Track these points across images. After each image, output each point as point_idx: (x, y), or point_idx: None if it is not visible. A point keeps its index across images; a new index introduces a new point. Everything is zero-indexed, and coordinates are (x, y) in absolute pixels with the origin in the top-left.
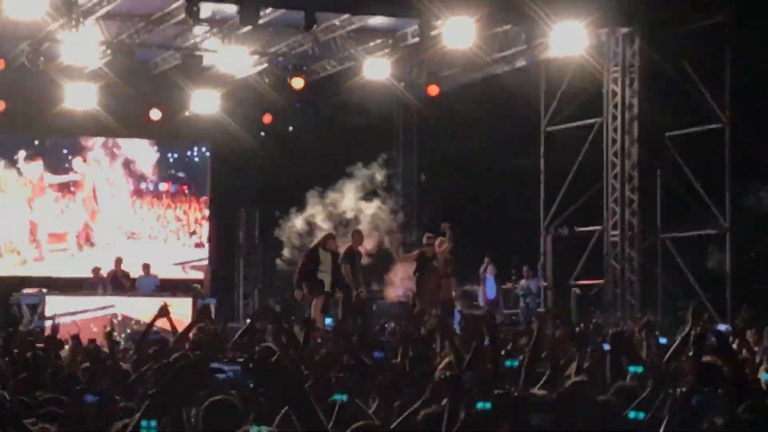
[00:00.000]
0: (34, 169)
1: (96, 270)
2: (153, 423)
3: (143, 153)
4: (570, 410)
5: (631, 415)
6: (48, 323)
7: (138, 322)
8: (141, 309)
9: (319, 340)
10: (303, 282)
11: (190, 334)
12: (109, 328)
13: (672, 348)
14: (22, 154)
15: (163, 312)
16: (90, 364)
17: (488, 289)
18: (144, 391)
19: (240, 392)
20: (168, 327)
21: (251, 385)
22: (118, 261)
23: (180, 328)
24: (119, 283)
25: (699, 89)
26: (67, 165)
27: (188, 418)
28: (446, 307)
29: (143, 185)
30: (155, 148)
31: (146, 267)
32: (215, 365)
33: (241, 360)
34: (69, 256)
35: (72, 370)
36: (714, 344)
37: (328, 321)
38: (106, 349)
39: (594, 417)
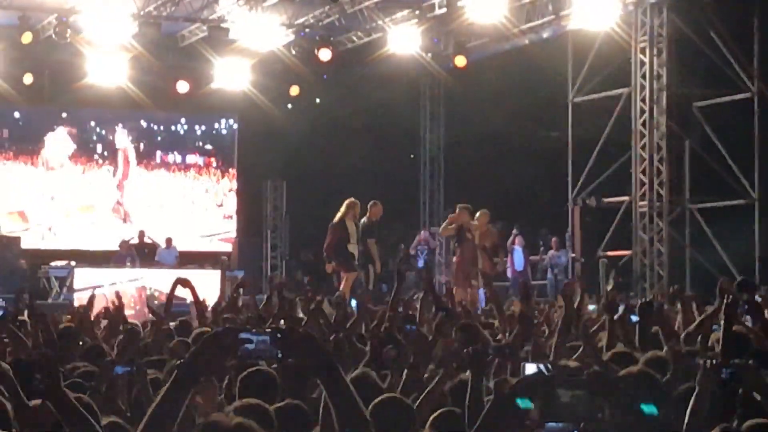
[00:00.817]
0: (62, 141)
1: (123, 243)
2: None
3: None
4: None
5: (645, 409)
6: (78, 295)
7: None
8: (168, 281)
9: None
10: (333, 255)
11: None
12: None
13: (697, 321)
14: (49, 126)
15: (182, 284)
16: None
17: (516, 260)
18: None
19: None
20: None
21: (279, 355)
22: (142, 234)
23: (203, 300)
24: (145, 254)
25: (727, 59)
26: (95, 137)
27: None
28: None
29: (171, 157)
30: (183, 120)
31: (168, 240)
32: (243, 335)
33: (269, 330)
34: (97, 228)
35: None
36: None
37: (354, 304)
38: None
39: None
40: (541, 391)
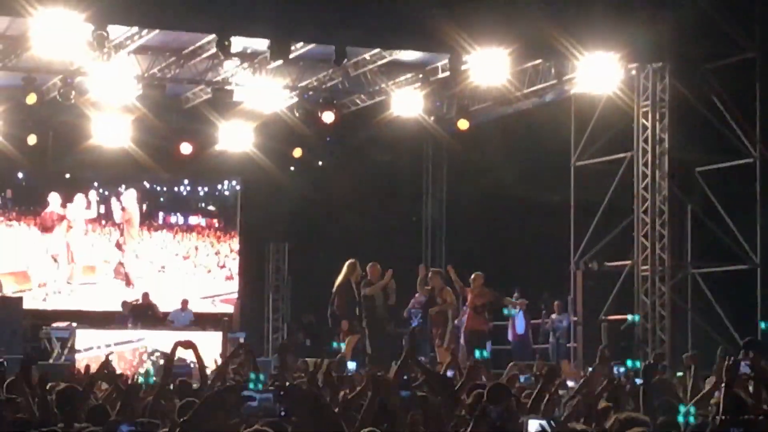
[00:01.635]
0: (65, 203)
1: (125, 303)
2: None
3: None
4: None
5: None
6: (79, 356)
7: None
8: (170, 342)
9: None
10: (347, 315)
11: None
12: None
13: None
14: (52, 187)
15: (184, 345)
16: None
17: (518, 324)
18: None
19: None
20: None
21: (282, 413)
22: (146, 295)
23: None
24: (148, 316)
25: (729, 124)
26: (98, 199)
27: None
28: (475, 336)
29: (173, 218)
30: (186, 181)
31: (184, 302)
32: (246, 393)
33: (273, 388)
34: (99, 289)
35: (105, 403)
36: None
37: (352, 366)
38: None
39: None
40: None
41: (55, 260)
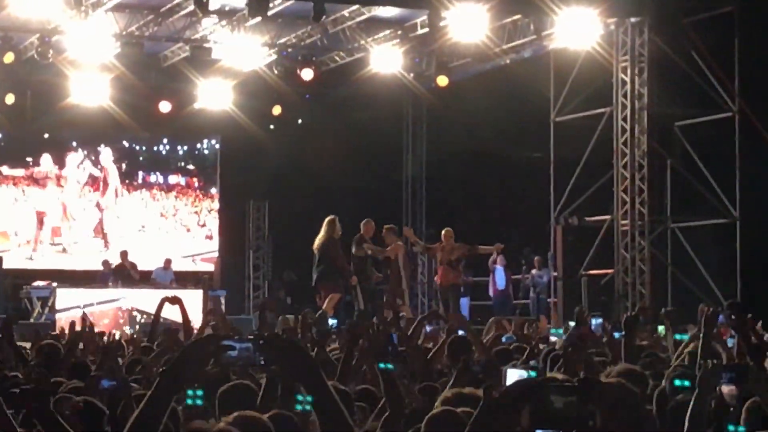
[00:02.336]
0: (44, 162)
1: (106, 263)
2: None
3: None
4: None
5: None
6: (59, 316)
7: (148, 314)
8: (151, 301)
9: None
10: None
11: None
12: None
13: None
14: (31, 147)
15: (171, 301)
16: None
17: (498, 279)
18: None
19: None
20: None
21: (262, 362)
22: (124, 254)
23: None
24: (127, 275)
25: (708, 78)
26: (77, 159)
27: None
28: (451, 291)
29: (153, 178)
30: (165, 140)
31: (167, 261)
32: (226, 342)
33: (252, 337)
34: (78, 248)
35: (84, 360)
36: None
37: (332, 322)
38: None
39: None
40: (532, 397)
41: (41, 220)
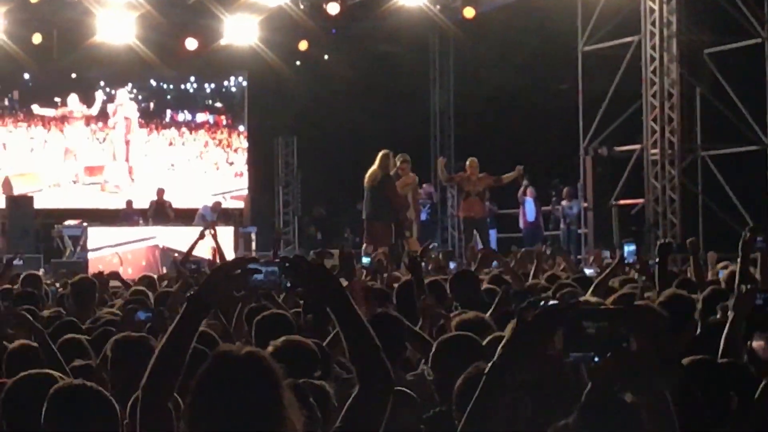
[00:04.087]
0: (71, 101)
1: (129, 202)
2: None
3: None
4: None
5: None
6: (91, 255)
7: (179, 252)
8: (182, 239)
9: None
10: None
11: None
12: None
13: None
14: (59, 87)
15: (201, 236)
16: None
17: (528, 211)
18: None
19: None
20: (207, 256)
21: (288, 285)
22: (161, 192)
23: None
24: (164, 213)
25: (737, 5)
26: (105, 98)
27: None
28: (478, 224)
29: (181, 116)
30: (192, 78)
31: (217, 204)
32: (252, 266)
33: (278, 260)
34: (108, 188)
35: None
36: None
37: (366, 260)
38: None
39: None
40: (565, 321)
41: (73, 155)
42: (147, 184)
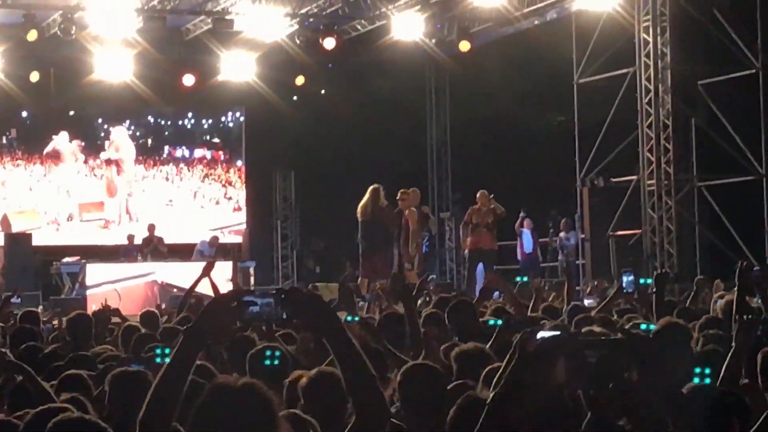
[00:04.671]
0: (68, 140)
1: (130, 237)
2: None
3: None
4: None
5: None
6: (90, 292)
7: (178, 287)
8: (180, 275)
9: None
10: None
11: None
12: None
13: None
14: (56, 125)
15: (206, 271)
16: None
17: (525, 243)
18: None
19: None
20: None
21: (284, 316)
22: (152, 227)
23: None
24: (155, 249)
25: (730, 35)
26: (102, 135)
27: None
28: (487, 256)
29: (179, 152)
30: (190, 114)
31: (215, 238)
32: (248, 298)
33: (274, 292)
34: (106, 225)
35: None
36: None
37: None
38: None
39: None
40: (567, 351)
41: (68, 194)
42: (145, 220)
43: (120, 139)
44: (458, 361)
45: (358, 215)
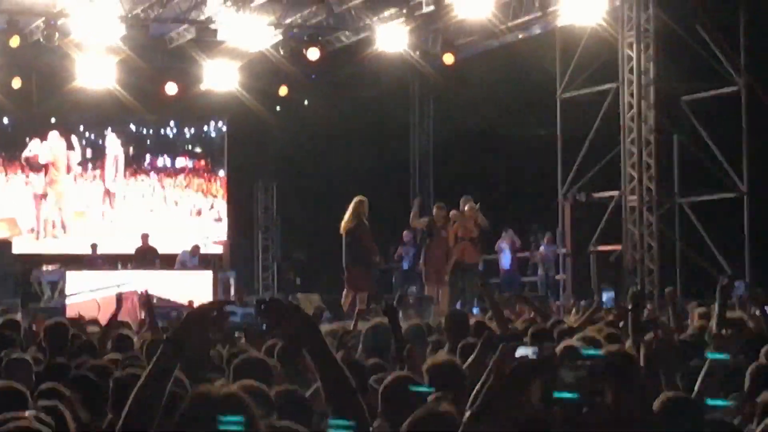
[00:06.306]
0: (50, 147)
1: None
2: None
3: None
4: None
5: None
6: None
7: (159, 298)
8: (161, 284)
9: None
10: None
11: None
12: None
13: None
14: (38, 131)
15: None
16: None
17: (503, 261)
18: None
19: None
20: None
21: (264, 327)
22: (145, 237)
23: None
24: (150, 260)
25: (714, 53)
26: (84, 142)
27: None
28: (470, 269)
29: (160, 161)
30: (172, 123)
31: (196, 248)
32: (228, 308)
33: (254, 302)
34: (88, 232)
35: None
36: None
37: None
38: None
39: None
40: (543, 371)
41: (44, 198)
42: (126, 229)
43: (109, 146)
44: (430, 374)
45: (341, 229)
